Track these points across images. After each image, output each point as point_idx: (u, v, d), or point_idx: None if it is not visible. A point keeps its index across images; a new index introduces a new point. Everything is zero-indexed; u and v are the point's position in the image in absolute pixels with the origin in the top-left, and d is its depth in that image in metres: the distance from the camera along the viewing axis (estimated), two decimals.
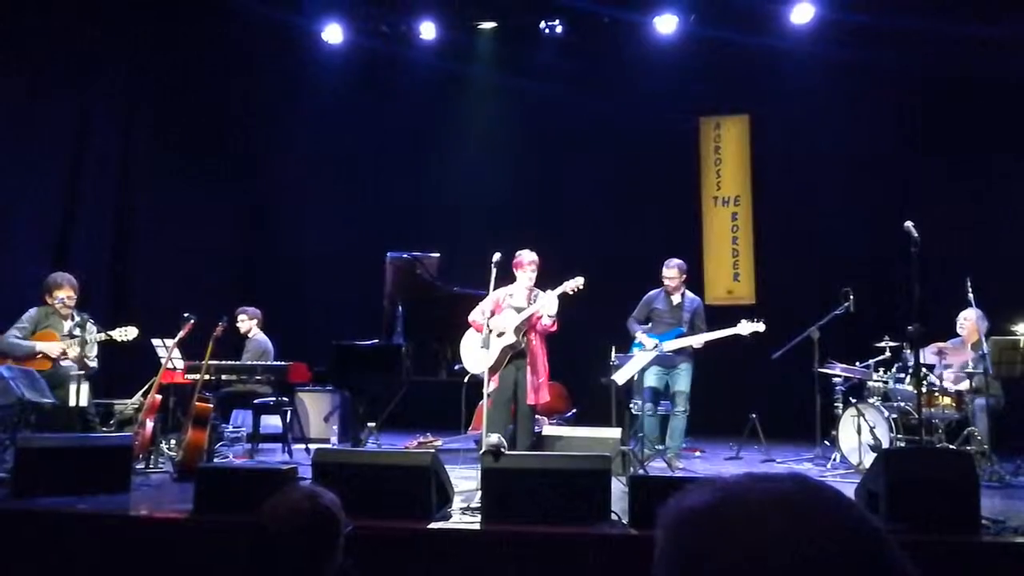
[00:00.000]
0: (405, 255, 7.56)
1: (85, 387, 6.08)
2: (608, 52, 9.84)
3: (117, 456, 5.06)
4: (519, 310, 6.00)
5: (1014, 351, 6.05)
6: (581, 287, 5.87)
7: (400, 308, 7.36)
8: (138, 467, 5.76)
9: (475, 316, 6.15)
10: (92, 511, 4.39)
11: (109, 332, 6.36)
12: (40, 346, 6.22)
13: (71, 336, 6.28)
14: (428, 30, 9.93)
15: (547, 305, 5.90)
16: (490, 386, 5.72)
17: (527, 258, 6.13)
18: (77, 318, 6.37)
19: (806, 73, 9.29)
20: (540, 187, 9.82)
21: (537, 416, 6.98)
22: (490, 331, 5.83)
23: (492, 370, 5.80)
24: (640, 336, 6.81)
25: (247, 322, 7.81)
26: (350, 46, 10.16)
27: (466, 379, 6.38)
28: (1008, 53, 8.27)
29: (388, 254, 7.64)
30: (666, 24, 9.51)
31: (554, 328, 6.02)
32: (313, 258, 10.27)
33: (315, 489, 2.23)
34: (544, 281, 6.11)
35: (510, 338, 5.91)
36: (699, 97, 9.84)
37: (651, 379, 6.72)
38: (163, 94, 9.41)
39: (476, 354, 6.00)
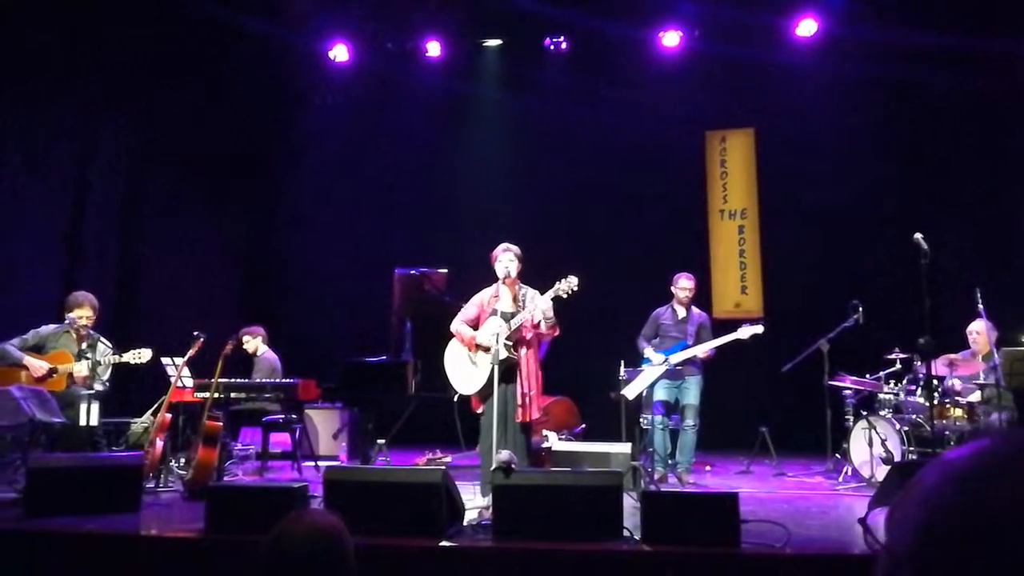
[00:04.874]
0: (413, 271, 7.56)
1: (95, 407, 6.08)
2: (613, 68, 9.88)
3: (127, 475, 5.05)
4: (507, 316, 5.40)
5: None
6: (576, 287, 5.25)
7: (408, 324, 7.36)
8: (148, 486, 5.76)
9: (458, 327, 5.60)
10: (103, 531, 4.38)
11: (122, 355, 6.33)
12: (27, 360, 6.17)
13: (82, 357, 6.29)
14: (434, 48, 10.00)
15: (540, 309, 5.30)
16: (480, 409, 5.44)
17: (501, 247, 5.55)
18: (89, 339, 6.38)
19: (811, 86, 9.31)
20: (547, 202, 9.83)
21: (545, 432, 6.98)
22: (479, 348, 5.43)
23: (483, 395, 5.38)
24: (648, 352, 6.80)
25: (253, 341, 7.80)
26: (357, 64, 10.24)
27: (455, 398, 6.17)
28: (1016, 68, 8.28)
29: (396, 270, 7.65)
30: (670, 39, 9.56)
31: (557, 332, 5.49)
32: (321, 275, 10.29)
33: (325, 512, 2.24)
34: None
35: (502, 353, 5.21)
36: (704, 111, 9.87)
37: (661, 393, 6.70)
38: (170, 114, 9.46)
39: (464, 372, 5.56)
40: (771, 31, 9.32)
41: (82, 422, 5.96)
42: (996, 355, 6.13)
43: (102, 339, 6.46)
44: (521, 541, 4.09)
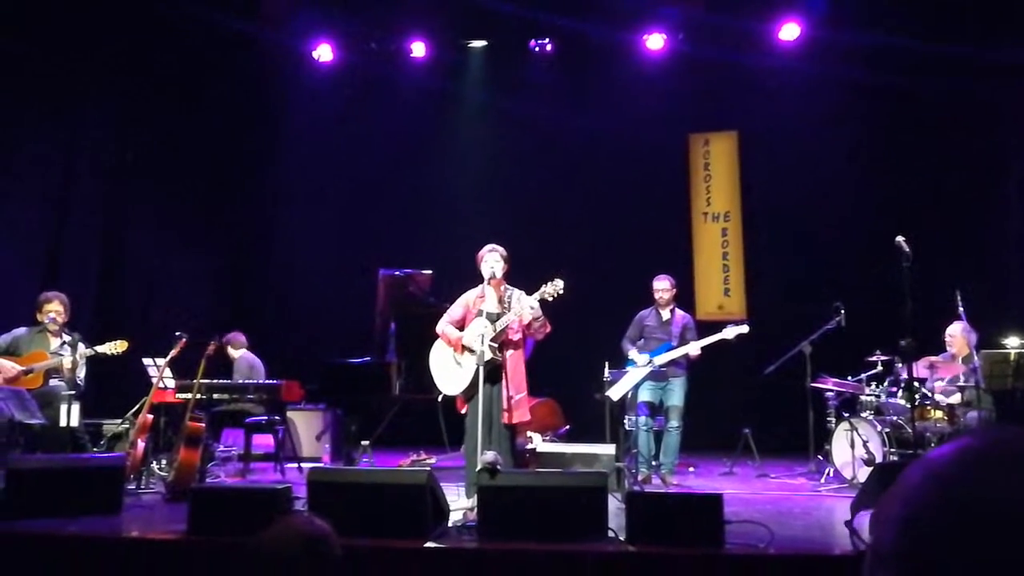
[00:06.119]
0: (397, 272, 7.55)
1: (76, 407, 6.02)
2: (597, 70, 9.91)
3: (109, 477, 5.01)
4: (493, 316, 5.36)
5: (1005, 364, 6.09)
6: (561, 291, 5.25)
7: (393, 325, 7.34)
8: (130, 488, 5.70)
9: (443, 327, 5.56)
10: (83, 533, 4.34)
11: (97, 348, 6.32)
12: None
13: (59, 355, 6.25)
14: (419, 48, 9.98)
15: (527, 309, 5.25)
16: (465, 410, 5.41)
17: (487, 248, 5.53)
18: (67, 337, 6.34)
19: (793, 89, 9.37)
20: (531, 204, 9.84)
21: (529, 433, 6.98)
22: (464, 349, 5.37)
23: (468, 396, 5.34)
24: (632, 354, 6.82)
25: (235, 352, 7.71)
26: (341, 65, 10.20)
27: (439, 398, 6.17)
28: (999, 73, 8.37)
29: (380, 271, 7.62)
30: (654, 42, 9.60)
31: (548, 329, 5.45)
32: (304, 275, 10.24)
33: (311, 517, 2.23)
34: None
35: (487, 354, 5.16)
36: (688, 114, 9.91)
37: (646, 394, 6.72)
38: (153, 115, 9.39)
39: (448, 372, 5.52)
40: (754, 35, 9.36)
41: (62, 423, 5.90)
42: (976, 357, 6.21)
43: (81, 339, 6.41)
44: (506, 542, 4.09)
